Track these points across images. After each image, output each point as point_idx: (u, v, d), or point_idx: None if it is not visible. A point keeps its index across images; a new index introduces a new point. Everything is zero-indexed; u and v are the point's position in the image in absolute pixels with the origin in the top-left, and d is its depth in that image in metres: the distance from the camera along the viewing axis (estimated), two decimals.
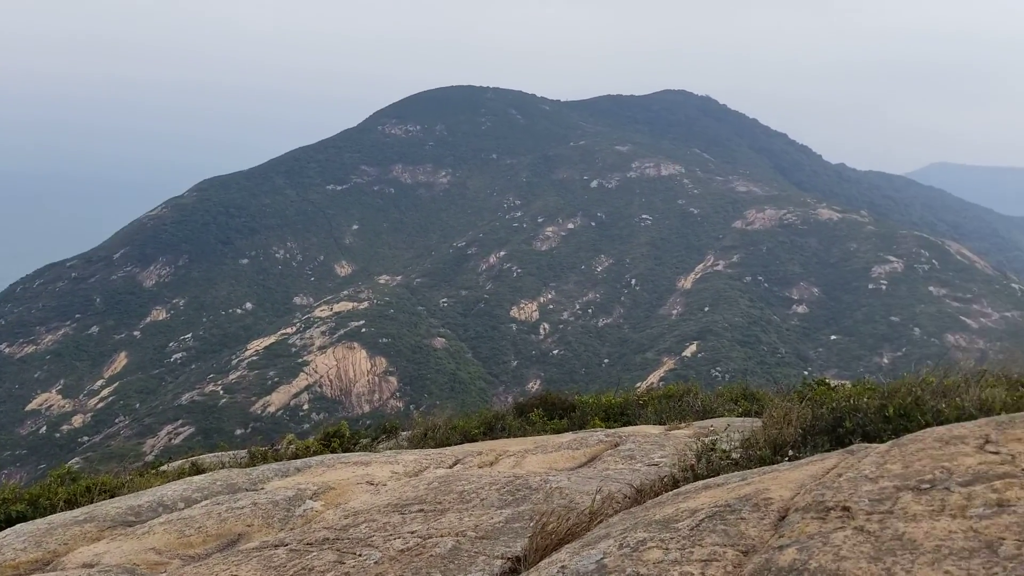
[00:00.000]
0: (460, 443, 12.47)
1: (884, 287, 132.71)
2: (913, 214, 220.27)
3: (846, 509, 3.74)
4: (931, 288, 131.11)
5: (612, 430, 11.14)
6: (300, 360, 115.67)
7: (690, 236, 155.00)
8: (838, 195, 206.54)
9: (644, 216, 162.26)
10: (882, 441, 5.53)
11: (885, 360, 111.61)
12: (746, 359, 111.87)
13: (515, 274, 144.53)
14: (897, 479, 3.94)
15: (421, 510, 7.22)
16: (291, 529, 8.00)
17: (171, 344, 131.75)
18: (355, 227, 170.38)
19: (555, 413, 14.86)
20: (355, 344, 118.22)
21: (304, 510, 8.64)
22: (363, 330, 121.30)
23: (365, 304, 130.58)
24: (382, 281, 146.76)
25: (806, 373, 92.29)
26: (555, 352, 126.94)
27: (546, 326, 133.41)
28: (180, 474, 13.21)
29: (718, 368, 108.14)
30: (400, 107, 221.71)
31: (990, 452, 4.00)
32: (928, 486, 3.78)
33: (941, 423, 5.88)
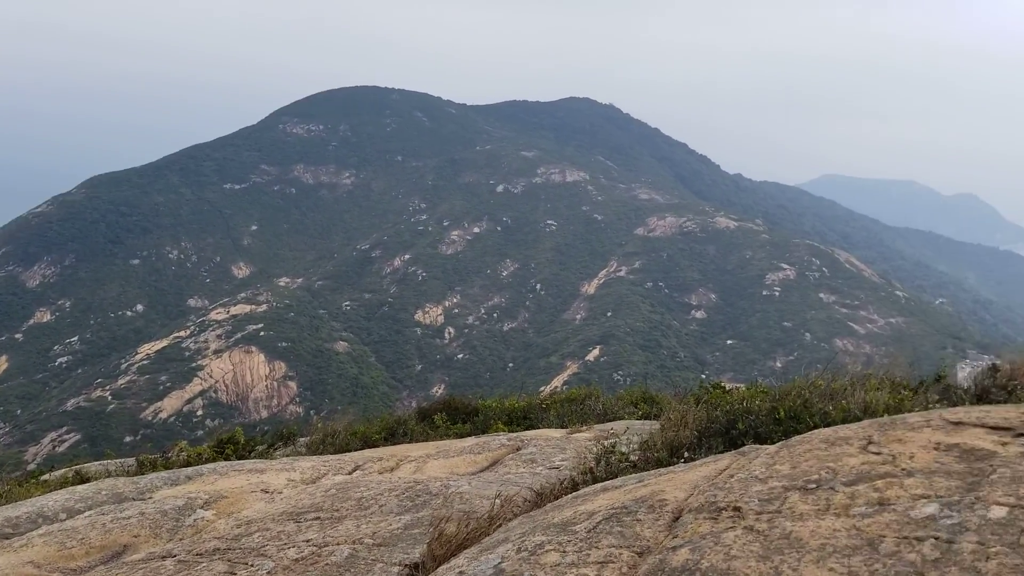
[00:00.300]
0: (360, 449, 12.27)
1: (777, 294, 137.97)
2: (805, 224, 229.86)
3: (737, 509, 3.82)
4: (821, 295, 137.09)
5: (514, 434, 11.16)
6: (194, 364, 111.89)
7: (594, 242, 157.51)
8: (735, 204, 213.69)
9: (549, 221, 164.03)
10: (773, 442, 5.69)
11: (778, 364, 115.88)
12: (647, 363, 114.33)
13: (420, 277, 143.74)
14: (785, 479, 4.05)
15: (317, 518, 7.04)
16: (180, 539, 7.68)
17: (56, 347, 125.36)
18: (254, 228, 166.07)
19: (458, 417, 14.78)
20: (253, 348, 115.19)
21: (194, 520, 8.32)
22: (261, 334, 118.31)
23: (264, 307, 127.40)
24: (282, 283, 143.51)
25: (704, 376, 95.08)
26: (460, 356, 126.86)
27: (451, 330, 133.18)
28: (63, 483, 12.52)
29: (620, 372, 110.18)
30: (302, 106, 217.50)
31: (872, 453, 4.15)
32: (814, 486, 3.90)
33: (828, 425, 6.10)
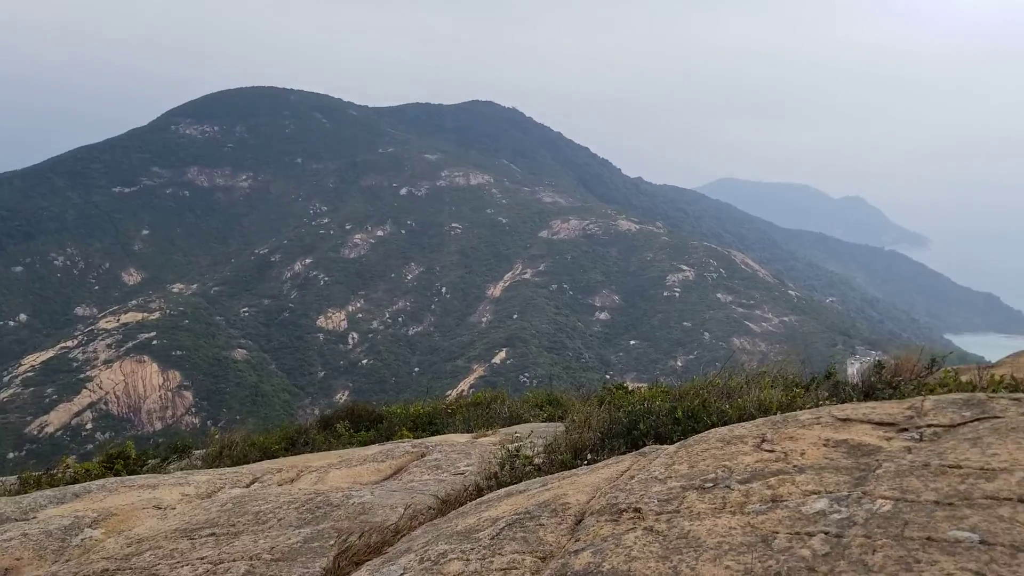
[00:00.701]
0: (259, 460, 11.90)
1: (678, 294, 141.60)
2: (703, 226, 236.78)
3: (637, 511, 3.86)
4: (719, 295, 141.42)
5: (419, 440, 11.04)
6: (82, 375, 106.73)
7: (499, 245, 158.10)
8: (636, 207, 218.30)
9: (454, 225, 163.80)
10: (673, 442, 5.79)
11: (679, 363, 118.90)
12: (553, 364, 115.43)
13: (322, 282, 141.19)
14: (684, 479, 4.11)
15: (213, 534, 6.78)
16: (66, 561, 7.27)
17: None
18: (145, 232, 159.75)
19: (362, 425, 14.52)
20: (145, 357, 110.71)
21: (82, 539, 7.88)
22: (154, 342, 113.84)
23: (157, 314, 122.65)
24: (176, 290, 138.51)
25: (608, 377, 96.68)
26: (364, 362, 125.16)
27: (355, 335, 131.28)
28: None
29: (527, 374, 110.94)
30: (196, 106, 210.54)
31: (766, 451, 4.26)
32: (711, 485, 3.97)
33: (726, 423, 6.25)
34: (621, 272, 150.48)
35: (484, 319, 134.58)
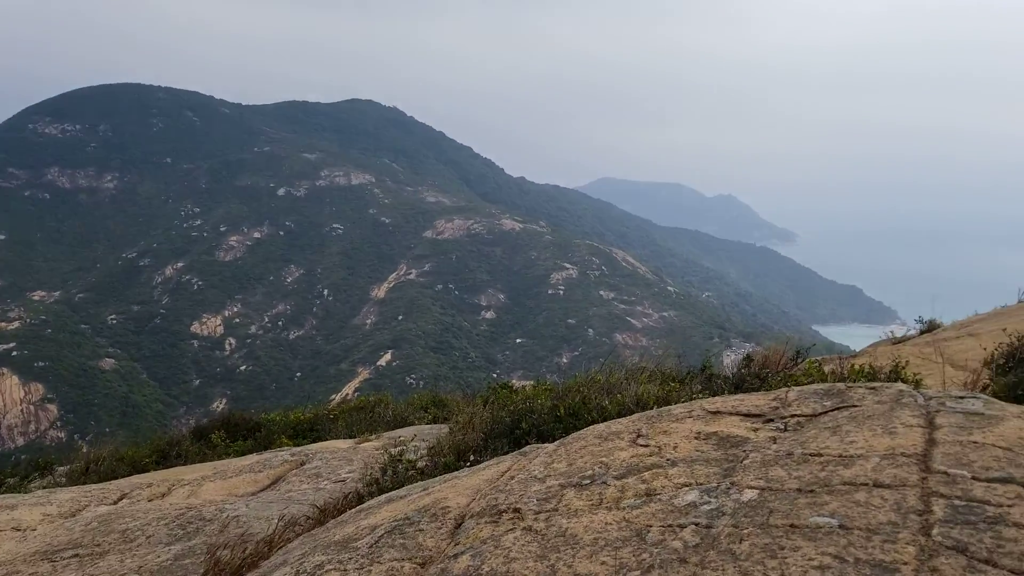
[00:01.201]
0: (129, 475, 11.33)
1: (562, 292, 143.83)
2: (585, 224, 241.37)
3: (517, 511, 3.86)
4: (602, 292, 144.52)
5: (299, 448, 10.76)
6: None
7: (382, 245, 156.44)
8: (520, 206, 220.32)
9: (335, 225, 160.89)
10: (555, 440, 5.84)
11: (564, 360, 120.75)
12: (439, 365, 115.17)
13: (196, 287, 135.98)
14: (562, 477, 4.14)
15: (76, 555, 6.40)
16: None
17: None
18: (1, 237, 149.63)
19: (239, 434, 14.06)
20: (4, 370, 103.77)
21: None
22: (14, 353, 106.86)
23: (16, 324, 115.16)
24: (36, 297, 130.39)
25: (495, 376, 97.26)
26: (243, 368, 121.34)
27: (232, 341, 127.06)
28: None
29: (413, 375, 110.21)
30: (56, 104, 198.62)
31: (641, 445, 4.35)
32: (588, 482, 4.01)
33: (606, 419, 6.35)
34: (506, 271, 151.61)
35: (368, 321, 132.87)
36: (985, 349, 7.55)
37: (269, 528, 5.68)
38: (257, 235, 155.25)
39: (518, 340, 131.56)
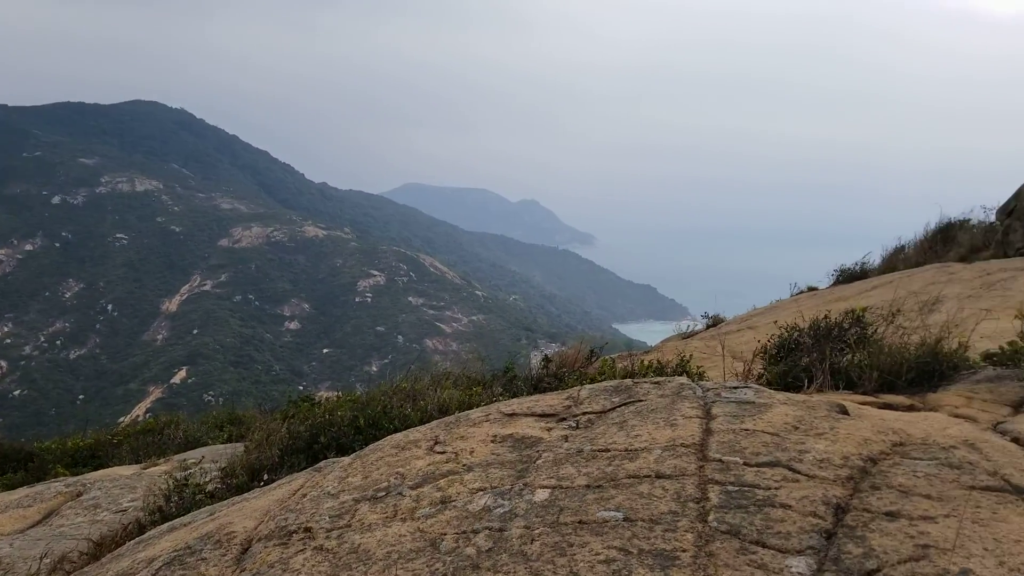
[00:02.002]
0: None
1: (370, 299, 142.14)
2: (391, 230, 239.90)
3: (308, 530, 3.68)
4: (411, 298, 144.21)
5: (76, 477, 9.85)
6: None
7: (173, 256, 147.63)
8: (323, 213, 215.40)
9: (119, 235, 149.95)
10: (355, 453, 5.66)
11: (374, 368, 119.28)
12: (240, 380, 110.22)
13: None
14: (357, 491, 4.01)
15: None
16: None
17: None
18: None
19: (8, 466, 12.67)
20: None
21: None
22: None
23: None
24: None
25: (301, 388, 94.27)
26: (16, 393, 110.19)
27: (3, 364, 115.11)
28: None
29: (211, 392, 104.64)
30: None
31: (438, 453, 4.29)
32: (384, 494, 3.90)
33: (409, 428, 6.25)
34: (311, 280, 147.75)
35: (160, 336, 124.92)
36: (759, 341, 8.13)
37: (33, 569, 5.11)
38: (29, 247, 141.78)
39: (325, 350, 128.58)
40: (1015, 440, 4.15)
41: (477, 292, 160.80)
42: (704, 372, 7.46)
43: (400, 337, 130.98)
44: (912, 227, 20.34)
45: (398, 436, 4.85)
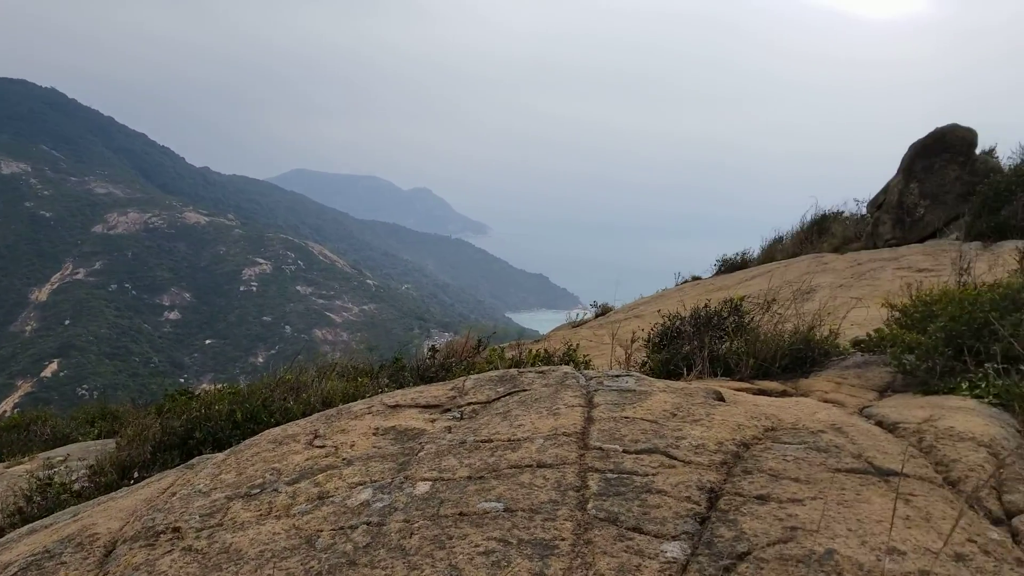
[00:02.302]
0: None
1: (255, 288, 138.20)
2: (279, 217, 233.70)
3: (176, 530, 3.50)
4: (299, 287, 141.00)
5: None
6: None
7: (43, 242, 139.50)
8: (205, 199, 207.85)
9: None
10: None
11: (260, 359, 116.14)
12: (116, 373, 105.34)
13: None
14: (230, 488, 3.84)
15: None
16: None
17: None
18: None
19: None
20: None
21: None
22: None
23: None
24: None
25: (182, 381, 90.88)
26: None
27: None
28: None
29: (85, 386, 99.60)
30: None
31: (317, 447, 4.17)
32: (258, 491, 3.76)
33: (292, 421, 6.06)
34: (192, 268, 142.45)
35: (28, 328, 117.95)
36: (643, 330, 8.29)
37: None
38: None
39: (208, 341, 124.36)
40: (879, 423, 4.36)
41: (368, 281, 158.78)
42: (590, 361, 7.55)
43: (288, 327, 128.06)
44: (791, 219, 21.24)
45: (276, 430, 4.69)
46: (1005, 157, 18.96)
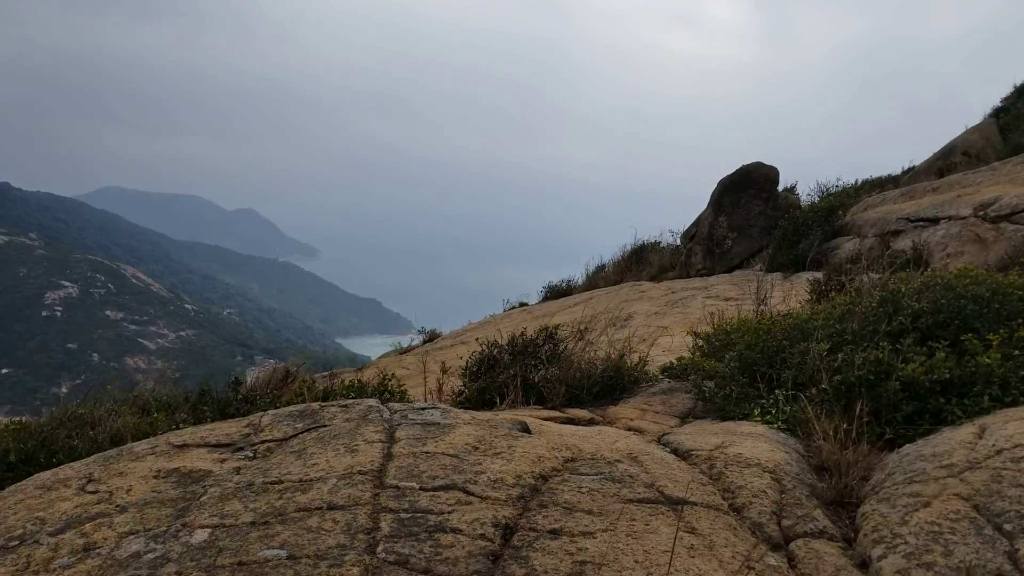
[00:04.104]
0: None
1: (60, 314, 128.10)
2: (87, 238, 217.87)
3: None
4: (109, 312, 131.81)
5: None
6: None
7: None
8: (3, 217, 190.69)
9: None
10: None
11: (64, 390, 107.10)
12: None
13: None
14: None
15: None
16: None
17: None
18: None
19: None
20: None
21: None
22: None
23: None
24: None
25: None
26: None
27: None
28: None
29: None
30: None
31: (90, 492, 3.79)
32: (17, 543, 3.36)
33: (76, 460, 5.53)
34: None
35: None
36: (461, 358, 8.26)
37: None
38: None
39: (4, 371, 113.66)
40: (675, 451, 4.50)
41: (187, 306, 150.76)
42: (406, 391, 7.41)
43: (95, 355, 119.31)
44: (615, 246, 22.06)
45: (46, 474, 4.24)
46: (805, 194, 20.65)
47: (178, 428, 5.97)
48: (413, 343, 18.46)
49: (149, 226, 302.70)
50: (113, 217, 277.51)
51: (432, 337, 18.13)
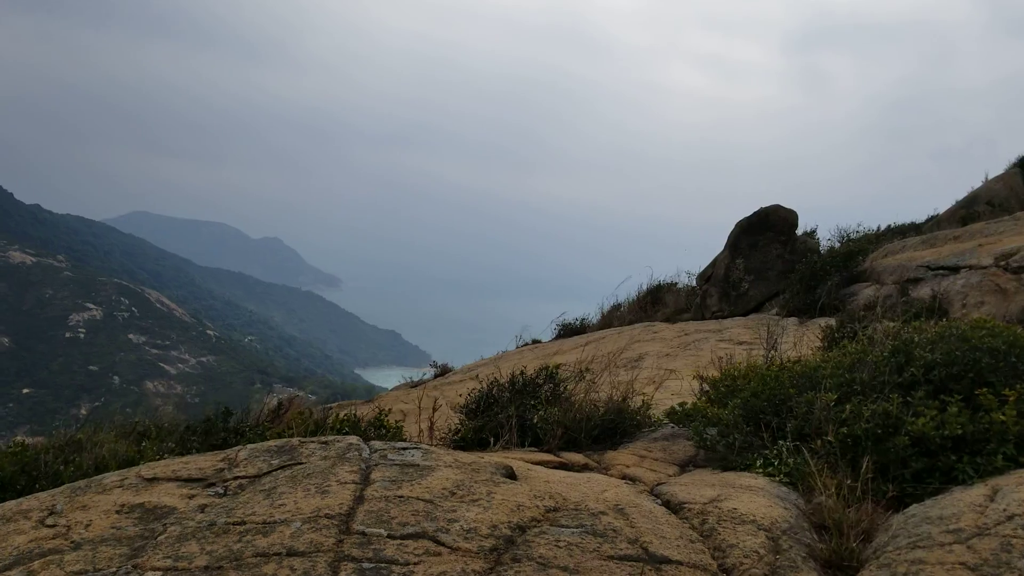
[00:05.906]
0: None
1: (83, 335, 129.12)
2: (113, 261, 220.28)
3: None
4: (131, 336, 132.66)
5: None
6: None
7: None
8: (33, 238, 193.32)
9: None
10: None
11: (84, 411, 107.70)
12: None
13: None
14: None
15: None
16: None
17: None
18: None
19: None
20: None
21: None
22: None
23: None
24: None
25: None
26: None
27: None
28: None
29: None
30: None
31: (48, 526, 3.63)
32: None
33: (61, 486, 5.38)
34: (13, 311, 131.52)
35: None
36: (460, 396, 8.08)
37: None
38: None
39: (25, 390, 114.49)
40: (667, 503, 4.27)
41: (208, 331, 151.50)
42: (402, 427, 7.22)
43: (116, 377, 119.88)
44: (632, 286, 21.85)
45: (10, 504, 4.09)
46: (825, 239, 20.37)
47: (161, 458, 5.82)
48: (425, 377, 18.29)
49: (175, 251, 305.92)
50: (140, 241, 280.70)
51: (444, 371, 17.96)
